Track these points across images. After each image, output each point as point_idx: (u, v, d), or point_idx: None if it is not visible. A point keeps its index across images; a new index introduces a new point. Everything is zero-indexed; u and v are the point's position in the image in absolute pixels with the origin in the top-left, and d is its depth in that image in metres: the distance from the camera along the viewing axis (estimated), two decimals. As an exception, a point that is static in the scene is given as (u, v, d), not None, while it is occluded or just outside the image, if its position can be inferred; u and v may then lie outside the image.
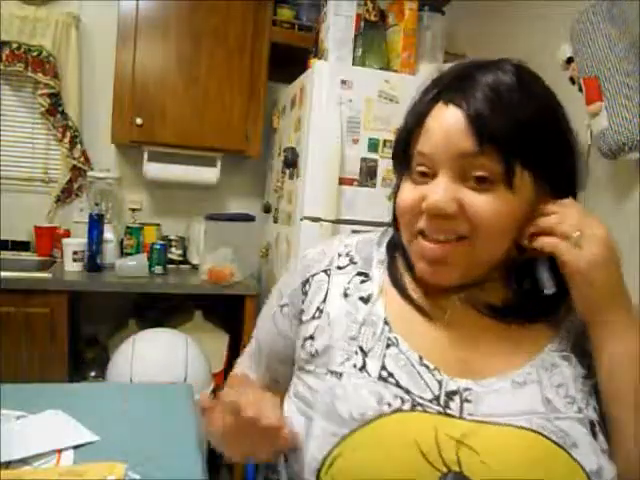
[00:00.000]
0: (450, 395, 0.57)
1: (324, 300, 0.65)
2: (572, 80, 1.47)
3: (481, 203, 0.55)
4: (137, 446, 0.80)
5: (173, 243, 2.36)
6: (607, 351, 0.57)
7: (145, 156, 2.25)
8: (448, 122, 0.56)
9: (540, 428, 0.55)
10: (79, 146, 2.28)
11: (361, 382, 0.57)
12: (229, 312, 2.26)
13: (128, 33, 2.06)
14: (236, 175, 2.55)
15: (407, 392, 0.57)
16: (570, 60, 1.48)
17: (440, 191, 0.56)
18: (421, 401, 0.56)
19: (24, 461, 0.71)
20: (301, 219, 1.83)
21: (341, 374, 0.59)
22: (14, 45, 2.10)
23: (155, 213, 2.48)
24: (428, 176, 0.58)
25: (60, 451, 0.75)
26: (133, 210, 2.37)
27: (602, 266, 0.55)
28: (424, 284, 0.64)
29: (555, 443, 0.54)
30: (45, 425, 0.82)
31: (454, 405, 0.56)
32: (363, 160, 1.85)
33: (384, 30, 2.04)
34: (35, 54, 2.13)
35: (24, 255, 2.22)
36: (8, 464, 0.70)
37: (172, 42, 2.12)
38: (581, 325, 0.60)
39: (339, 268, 0.68)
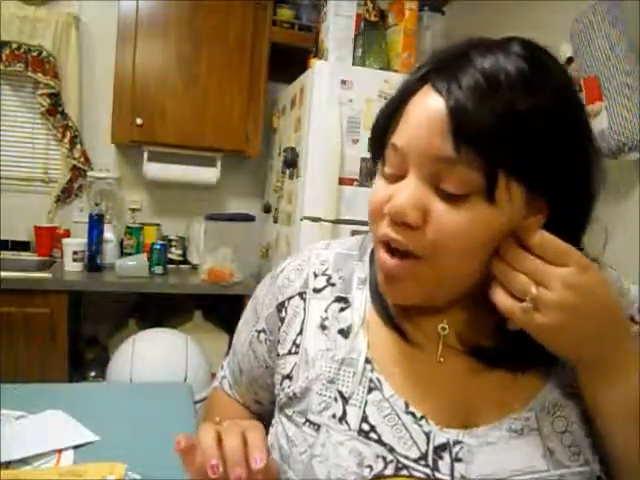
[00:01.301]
0: (439, 452, 0.49)
1: (300, 332, 0.58)
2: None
3: (450, 218, 0.45)
4: (137, 446, 0.80)
5: (173, 243, 2.36)
6: (598, 399, 0.48)
7: (145, 156, 2.25)
8: (426, 113, 0.46)
9: None
10: (79, 146, 2.28)
11: (341, 438, 0.51)
12: (229, 312, 2.26)
13: (128, 33, 2.07)
14: (236, 175, 2.55)
15: (391, 450, 0.50)
16: (570, 60, 1.49)
17: (405, 194, 0.46)
18: (406, 462, 0.49)
19: (24, 461, 0.71)
20: (301, 219, 1.83)
21: (319, 426, 0.52)
22: (14, 45, 2.11)
23: (155, 213, 2.48)
24: (398, 176, 0.49)
25: (60, 451, 0.75)
26: (133, 210, 2.37)
27: (568, 330, 0.45)
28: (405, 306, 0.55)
29: None
30: (45, 425, 0.82)
31: (443, 466, 0.49)
32: (363, 160, 1.85)
33: (384, 30, 2.04)
34: (35, 54, 2.13)
35: (24, 255, 2.22)
36: (8, 464, 0.70)
37: (172, 42, 2.12)
38: None
39: (315, 291, 0.60)
